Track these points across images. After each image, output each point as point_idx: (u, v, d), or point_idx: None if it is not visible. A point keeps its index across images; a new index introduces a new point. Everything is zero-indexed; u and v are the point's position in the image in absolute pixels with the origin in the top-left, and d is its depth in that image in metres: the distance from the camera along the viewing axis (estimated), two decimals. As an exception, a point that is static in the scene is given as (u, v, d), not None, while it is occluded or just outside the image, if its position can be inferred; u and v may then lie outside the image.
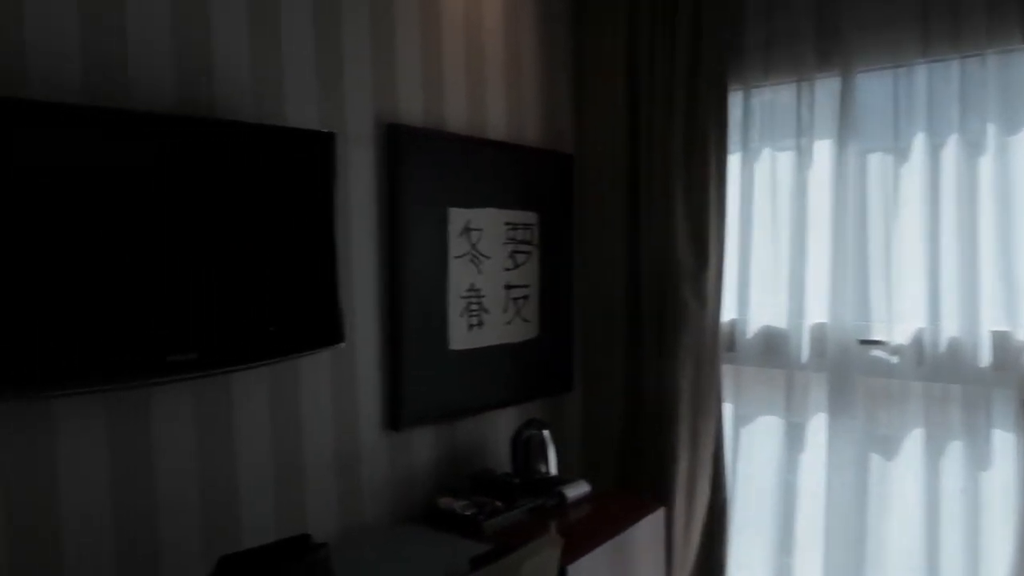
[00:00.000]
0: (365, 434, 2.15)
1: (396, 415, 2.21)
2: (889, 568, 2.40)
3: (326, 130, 1.92)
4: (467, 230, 2.40)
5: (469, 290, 2.42)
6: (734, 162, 2.61)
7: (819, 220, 2.46)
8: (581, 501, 2.36)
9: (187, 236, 1.61)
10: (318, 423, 2.03)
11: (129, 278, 1.53)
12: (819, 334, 2.48)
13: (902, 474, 2.37)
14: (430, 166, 2.28)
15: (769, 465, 2.62)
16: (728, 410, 2.69)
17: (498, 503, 2.21)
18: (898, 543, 2.39)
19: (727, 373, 2.68)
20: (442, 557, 1.95)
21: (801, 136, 2.48)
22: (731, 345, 2.67)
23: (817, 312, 2.49)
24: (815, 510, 2.51)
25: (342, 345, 1.93)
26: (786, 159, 2.54)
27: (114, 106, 1.60)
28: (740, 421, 2.70)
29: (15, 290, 1.36)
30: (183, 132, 1.62)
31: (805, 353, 2.50)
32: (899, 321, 2.34)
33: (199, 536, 1.78)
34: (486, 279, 2.48)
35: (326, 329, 1.90)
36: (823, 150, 2.47)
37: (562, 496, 2.31)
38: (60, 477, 1.54)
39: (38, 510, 1.51)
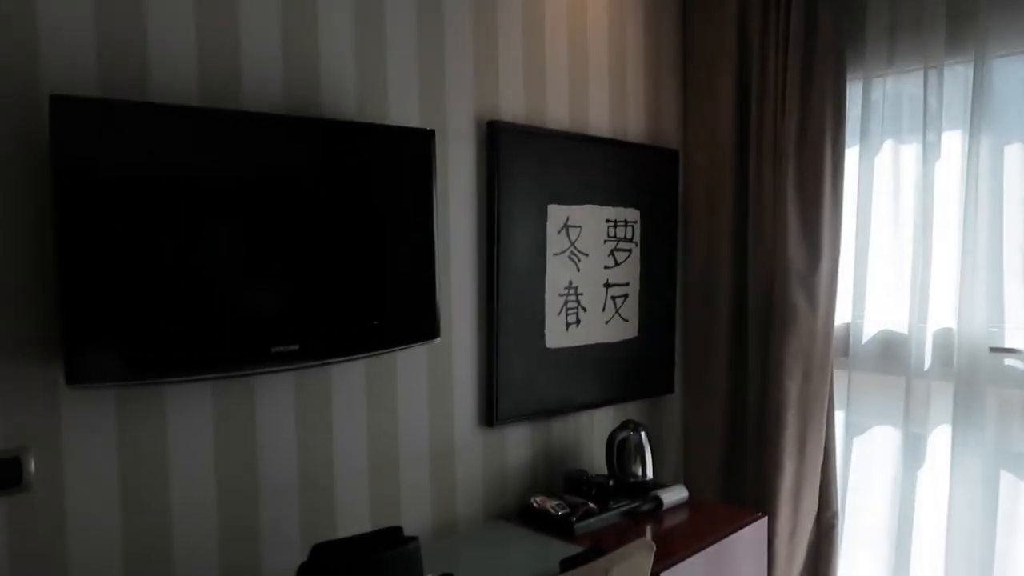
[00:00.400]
0: (460, 429, 2.17)
1: (491, 411, 2.22)
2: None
3: (426, 127, 1.94)
4: (566, 227, 2.37)
5: (567, 288, 2.39)
6: (851, 156, 2.47)
7: (946, 217, 2.28)
8: (678, 507, 2.28)
9: (292, 232, 1.66)
10: (413, 417, 2.06)
11: (238, 272, 1.59)
12: (944, 340, 2.31)
13: (1037, 496, 2.17)
14: (530, 163, 2.26)
15: (884, 479, 2.46)
16: (840, 418, 2.55)
17: (591, 504, 2.18)
18: (1031, 571, 2.19)
19: (839, 379, 2.53)
20: (532, 557, 1.93)
21: (928, 127, 2.31)
22: (845, 350, 2.52)
23: (942, 316, 2.31)
24: (935, 529, 2.33)
25: (438, 340, 1.95)
26: (910, 152, 2.37)
27: (227, 107, 1.67)
28: (853, 431, 2.55)
29: (135, 283, 1.44)
30: (289, 131, 1.68)
31: (928, 360, 2.32)
32: (1037, 329, 2.14)
33: (297, 522, 1.84)
34: (585, 277, 2.44)
35: (423, 324, 1.92)
36: (952, 142, 2.29)
37: (658, 500, 2.25)
38: (170, 457, 1.63)
39: (150, 488, 1.60)
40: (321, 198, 1.71)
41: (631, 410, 2.69)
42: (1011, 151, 2.18)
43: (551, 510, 2.16)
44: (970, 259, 2.20)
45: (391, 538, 1.68)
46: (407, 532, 1.79)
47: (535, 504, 2.20)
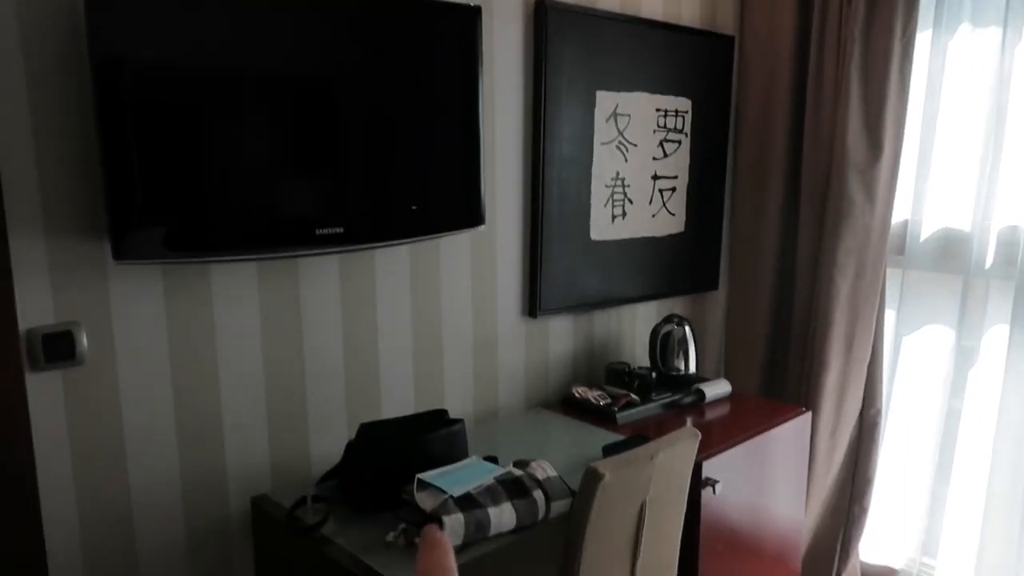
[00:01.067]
0: (503, 318, 2.16)
1: (534, 302, 2.20)
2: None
3: (472, 3, 1.84)
4: (615, 115, 2.27)
5: (614, 179, 2.32)
6: (923, 40, 2.30)
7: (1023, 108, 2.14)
8: (720, 401, 2.27)
9: (337, 114, 1.61)
10: (457, 304, 2.05)
11: (283, 154, 1.56)
12: (1009, 238, 2.21)
13: (1094, 398, 2.11)
14: (579, 46, 2.15)
15: (933, 380, 2.41)
16: (890, 318, 2.48)
17: (633, 396, 2.17)
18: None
19: (893, 278, 2.45)
20: (575, 442, 1.95)
21: (1010, 9, 2.14)
22: (900, 248, 2.43)
23: (1010, 214, 2.20)
24: (982, 433, 2.30)
25: (482, 228, 1.91)
26: (989, 36, 2.20)
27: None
28: (903, 330, 2.49)
29: (180, 164, 1.42)
30: (332, 10, 1.59)
31: (990, 258, 2.23)
32: (1112, 226, 2.03)
33: (343, 402, 1.86)
34: (632, 168, 2.36)
35: (467, 210, 1.88)
36: (1037, 24, 2.12)
37: (701, 393, 2.23)
38: (218, 335, 1.64)
39: (199, 364, 1.63)
40: (365, 79, 1.65)
41: (674, 305, 2.66)
42: (1102, 33, 2.01)
43: (593, 400, 2.17)
44: (1045, 151, 2.07)
45: (437, 419, 1.70)
46: (451, 415, 1.81)
47: (577, 394, 2.21)
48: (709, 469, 1.85)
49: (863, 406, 2.48)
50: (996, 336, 2.26)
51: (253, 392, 1.71)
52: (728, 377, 2.73)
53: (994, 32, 2.18)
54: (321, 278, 1.79)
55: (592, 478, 1.46)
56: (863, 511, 2.51)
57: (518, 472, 1.57)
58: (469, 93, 1.84)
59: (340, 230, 1.64)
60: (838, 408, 2.45)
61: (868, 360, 2.44)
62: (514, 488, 1.51)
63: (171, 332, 1.58)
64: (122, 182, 1.37)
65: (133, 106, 1.36)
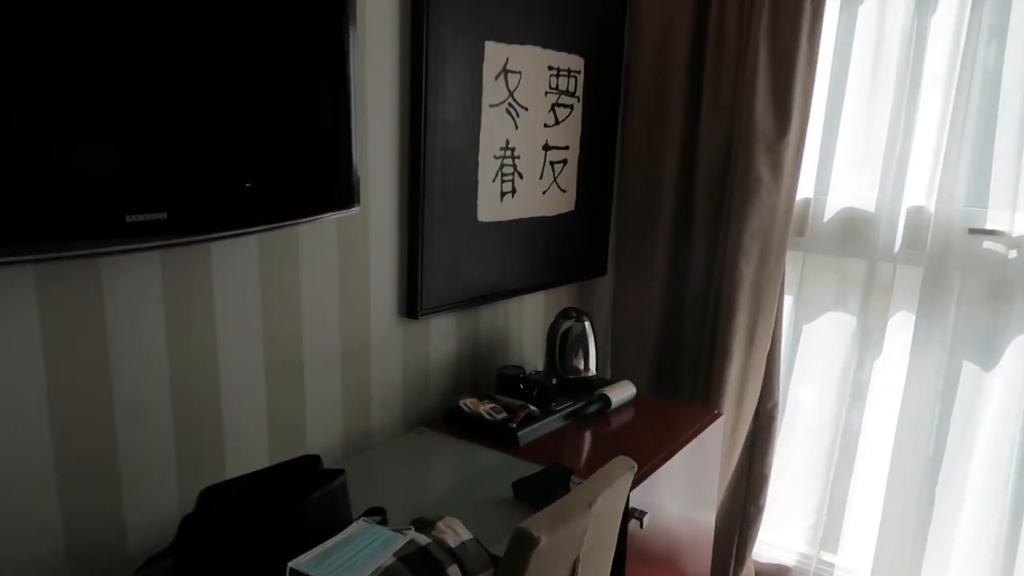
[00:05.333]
0: (376, 322, 1.75)
1: (413, 299, 1.80)
2: (968, 490, 2.13)
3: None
4: (505, 72, 1.91)
5: (503, 148, 1.96)
6: (832, 5, 2.12)
7: (937, 79, 2.01)
8: (625, 406, 2.01)
9: (154, 65, 1.12)
10: (321, 309, 1.61)
11: (74, 113, 1.05)
12: (917, 219, 2.09)
13: (999, 386, 2.05)
14: (463, -14, 1.76)
15: (834, 368, 2.29)
16: (788, 304, 2.33)
17: (532, 407, 1.85)
18: (984, 464, 2.10)
19: (792, 261, 2.30)
20: (474, 475, 1.59)
21: (920, -26, 1.99)
22: (800, 229, 2.27)
23: (918, 193, 2.08)
24: (884, 421, 2.20)
25: (356, 209, 1.48)
26: (901, 3, 2.05)
27: None
28: (802, 317, 2.35)
29: None
30: None
31: (897, 241, 2.11)
32: (1024, 209, 1.96)
33: (171, 452, 1.38)
34: (523, 136, 2.01)
35: (334, 189, 1.45)
36: (951, -10, 1.99)
37: (606, 400, 1.95)
38: (-23, 376, 1.12)
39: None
40: (194, 23, 1.16)
41: (562, 295, 2.36)
42: (1021, 5, 1.90)
43: (486, 415, 1.82)
44: (958, 128, 1.95)
45: (306, 472, 1.28)
46: (313, 449, 1.41)
47: (465, 407, 1.85)
48: (636, 499, 1.57)
49: (760, 400, 2.32)
50: (901, 324, 2.15)
51: (34, 444, 1.20)
52: (615, 372, 2.48)
53: (905, -1, 2.04)
54: (135, 283, 1.29)
55: (524, 544, 1.11)
56: (758, 510, 2.37)
57: (423, 540, 1.19)
58: (337, 43, 1.40)
59: (163, 215, 1.17)
60: (738, 404, 2.27)
61: (768, 351, 2.27)
62: (423, 566, 1.14)
63: None
64: None
65: None
